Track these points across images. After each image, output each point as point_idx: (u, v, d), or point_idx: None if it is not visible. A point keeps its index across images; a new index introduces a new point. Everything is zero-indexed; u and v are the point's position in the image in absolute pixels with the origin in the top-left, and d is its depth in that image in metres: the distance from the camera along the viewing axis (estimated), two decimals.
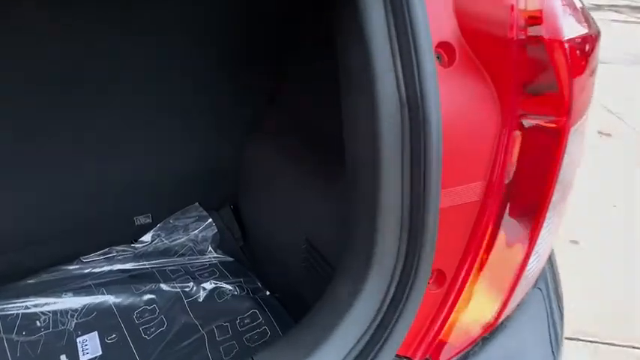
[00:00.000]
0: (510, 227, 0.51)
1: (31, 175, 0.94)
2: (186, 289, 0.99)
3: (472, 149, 0.48)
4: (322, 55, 0.85)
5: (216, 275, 1.06)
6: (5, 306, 0.92)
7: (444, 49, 0.44)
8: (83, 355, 0.84)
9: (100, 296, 0.97)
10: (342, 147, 0.61)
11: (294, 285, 0.91)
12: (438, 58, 0.43)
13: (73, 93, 0.87)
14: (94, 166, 1.00)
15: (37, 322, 0.90)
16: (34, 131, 0.89)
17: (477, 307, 0.56)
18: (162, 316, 0.93)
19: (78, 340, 0.87)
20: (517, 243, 0.53)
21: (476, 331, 0.58)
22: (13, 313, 0.91)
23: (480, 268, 0.51)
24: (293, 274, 0.90)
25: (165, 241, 1.18)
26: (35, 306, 0.93)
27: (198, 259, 1.15)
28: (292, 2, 0.88)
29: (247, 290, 1.02)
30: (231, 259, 1.15)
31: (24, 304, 0.93)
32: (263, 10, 0.91)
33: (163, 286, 1.00)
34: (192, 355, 0.85)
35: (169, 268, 1.10)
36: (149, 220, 1.16)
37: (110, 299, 0.97)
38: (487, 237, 0.51)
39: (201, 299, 0.98)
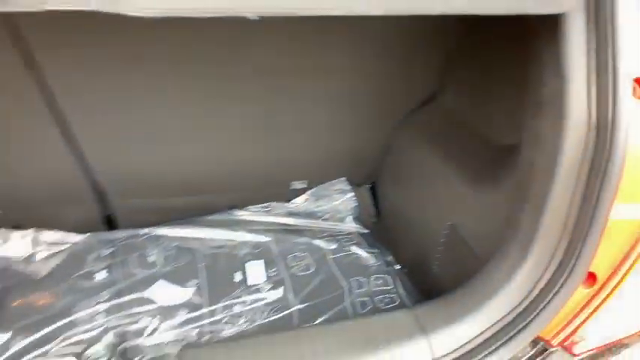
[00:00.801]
0: None
1: (230, 143, 1.18)
2: (331, 247, 1.18)
3: None
4: (485, 66, 0.95)
5: (355, 242, 1.23)
6: (198, 230, 1.20)
7: (638, 83, 0.51)
8: (250, 277, 1.08)
9: (263, 237, 1.20)
10: (493, 148, 0.70)
11: (427, 262, 1.03)
12: (633, 91, 0.51)
13: (268, 90, 1.07)
14: (272, 140, 1.21)
15: (219, 246, 1.16)
16: (250, 114, 1.12)
17: (623, 313, 0.62)
18: (311, 263, 1.13)
19: (247, 264, 1.11)
20: None
21: (616, 336, 0.64)
22: (202, 237, 1.19)
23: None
24: (429, 252, 1.02)
25: (313, 206, 1.38)
26: (219, 235, 1.19)
27: (338, 225, 1.33)
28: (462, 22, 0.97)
29: (381, 261, 1.17)
30: (366, 230, 1.31)
31: (211, 232, 1.20)
32: (429, 26, 1.02)
33: (312, 241, 1.20)
34: (332, 301, 1.03)
35: (316, 227, 1.30)
36: (304, 186, 1.37)
37: (271, 242, 1.19)
38: None
39: (342, 258, 1.16)
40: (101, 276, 1.06)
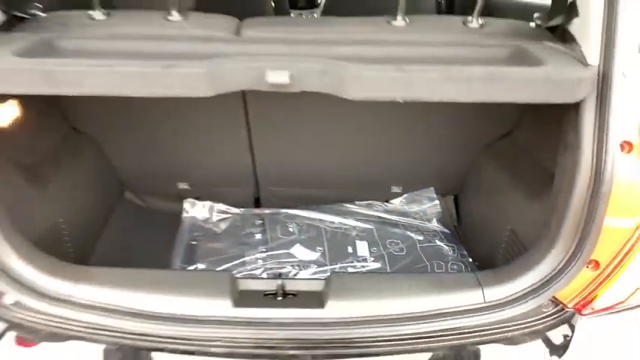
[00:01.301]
0: None
1: (350, 154, 1.61)
2: (419, 238, 1.57)
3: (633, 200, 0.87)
4: (546, 115, 1.26)
5: (438, 238, 1.60)
6: (321, 214, 1.65)
7: (627, 143, 0.85)
8: (358, 251, 1.50)
9: (367, 225, 1.62)
10: (546, 173, 1.04)
11: (492, 257, 1.38)
12: (622, 148, 0.85)
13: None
14: (380, 155, 1.62)
15: (336, 227, 1.60)
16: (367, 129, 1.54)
17: (619, 290, 0.93)
18: (403, 248, 1.52)
19: (356, 241, 1.53)
20: None
21: (613, 304, 0.96)
22: (323, 219, 1.64)
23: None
24: (495, 250, 1.36)
25: (406, 207, 1.78)
26: (336, 219, 1.63)
27: (425, 224, 1.71)
28: None
29: (458, 254, 1.53)
30: (447, 231, 1.67)
31: (330, 216, 1.65)
32: None
33: (404, 232, 1.60)
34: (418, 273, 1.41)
35: (407, 223, 1.69)
36: (399, 190, 1.77)
37: (373, 229, 1.61)
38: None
39: (427, 247, 1.54)
40: (258, 237, 1.56)
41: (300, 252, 1.47)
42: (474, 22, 1.15)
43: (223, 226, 1.65)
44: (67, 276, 0.99)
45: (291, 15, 3.25)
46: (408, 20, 1.16)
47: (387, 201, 1.79)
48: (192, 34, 1.10)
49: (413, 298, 0.98)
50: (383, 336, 0.95)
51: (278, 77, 0.88)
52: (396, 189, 1.76)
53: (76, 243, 1.35)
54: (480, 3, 1.13)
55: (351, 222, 1.63)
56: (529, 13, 1.20)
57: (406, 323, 0.95)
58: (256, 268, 1.42)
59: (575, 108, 0.91)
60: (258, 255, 1.46)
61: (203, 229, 1.63)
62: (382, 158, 1.63)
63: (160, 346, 0.94)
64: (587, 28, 0.93)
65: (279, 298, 1.00)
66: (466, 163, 1.65)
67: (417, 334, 0.95)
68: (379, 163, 1.65)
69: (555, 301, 0.97)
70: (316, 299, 0.98)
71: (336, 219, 1.64)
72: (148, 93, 0.88)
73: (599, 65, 0.89)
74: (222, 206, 1.72)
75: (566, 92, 0.88)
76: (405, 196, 1.78)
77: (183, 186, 1.71)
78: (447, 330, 0.96)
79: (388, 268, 1.44)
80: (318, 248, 1.49)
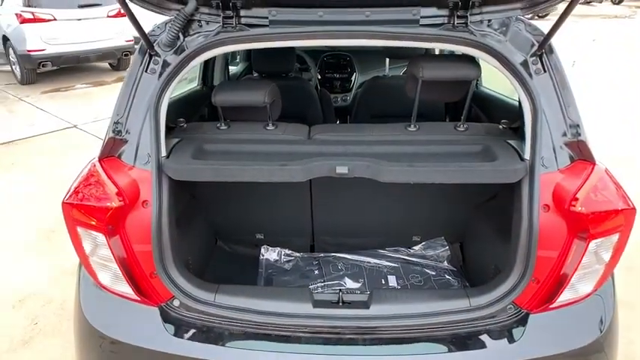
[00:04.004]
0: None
1: (379, 212, 2.25)
2: (433, 274, 2.15)
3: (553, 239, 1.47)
4: None
5: (448, 274, 2.18)
6: (360, 257, 2.27)
7: (546, 205, 1.46)
8: (389, 283, 2.09)
9: (394, 264, 2.22)
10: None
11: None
12: (544, 209, 1.46)
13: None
14: (403, 213, 2.26)
15: (371, 266, 2.21)
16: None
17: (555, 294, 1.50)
18: (421, 280, 2.11)
19: (388, 276, 2.13)
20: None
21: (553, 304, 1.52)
22: (362, 260, 2.25)
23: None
24: (486, 281, 1.94)
25: (424, 252, 2.37)
26: (371, 260, 2.25)
27: (438, 264, 2.29)
28: None
29: (461, 285, 2.10)
30: (455, 269, 2.25)
31: (367, 258, 2.26)
32: None
33: (423, 269, 2.19)
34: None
35: (425, 263, 2.28)
36: (419, 239, 2.38)
37: (400, 267, 2.21)
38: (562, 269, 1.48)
39: (438, 280, 2.12)
40: (316, 272, 2.18)
41: (348, 282, 2.08)
42: (461, 126, 1.83)
43: (289, 265, 2.28)
44: (206, 288, 1.63)
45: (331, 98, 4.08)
46: (418, 126, 1.85)
47: (409, 247, 2.40)
48: (281, 138, 1.81)
49: (425, 303, 1.57)
50: (407, 325, 1.53)
51: (342, 170, 1.57)
52: (416, 238, 2.37)
53: (195, 274, 2.00)
54: (465, 114, 1.80)
55: (383, 262, 2.24)
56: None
57: (421, 319, 1.54)
58: (321, 292, 2.03)
59: (518, 185, 1.55)
60: (318, 284, 2.08)
61: (275, 267, 2.26)
62: (406, 216, 2.27)
63: (268, 332, 1.55)
64: (524, 134, 1.58)
65: (340, 304, 1.61)
66: (467, 219, 2.26)
67: (429, 324, 1.53)
68: (403, 220, 2.28)
69: (515, 305, 1.54)
70: (363, 304, 1.58)
71: (372, 260, 2.25)
72: (269, 180, 1.58)
73: (529, 159, 1.53)
74: (287, 251, 2.36)
75: (507, 177, 1.52)
76: (422, 243, 2.38)
77: (259, 236, 2.37)
78: (447, 322, 1.54)
79: None
80: (360, 280, 2.10)
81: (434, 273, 2.16)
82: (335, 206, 2.21)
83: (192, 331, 1.57)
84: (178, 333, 1.56)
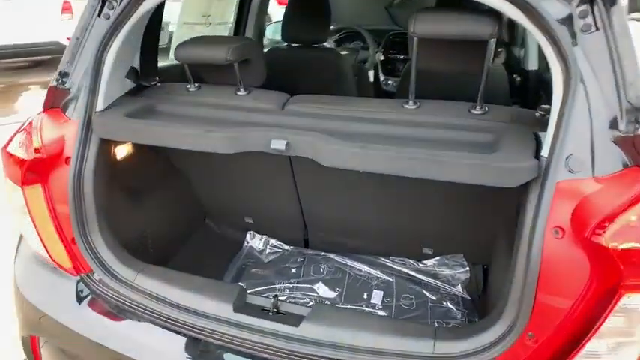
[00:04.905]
0: None
1: (385, 214, 1.82)
2: (432, 298, 1.68)
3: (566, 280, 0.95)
4: None
5: (455, 302, 1.69)
6: (352, 261, 1.88)
7: (560, 228, 0.95)
8: (372, 298, 1.68)
9: (389, 277, 1.79)
10: None
11: None
12: (556, 232, 0.96)
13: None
14: (415, 220, 1.79)
15: (360, 274, 1.80)
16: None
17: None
18: (414, 303, 1.66)
19: (374, 290, 1.72)
20: None
21: None
22: (352, 265, 1.85)
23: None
24: None
25: (437, 269, 1.89)
26: (364, 267, 1.84)
27: (449, 288, 1.80)
28: None
29: (466, 319, 1.60)
30: (469, 297, 1.74)
31: (359, 264, 1.86)
32: None
33: (422, 290, 1.73)
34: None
35: (432, 283, 1.81)
36: (430, 252, 1.90)
37: (394, 282, 1.77)
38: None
39: (437, 307, 1.65)
40: (293, 270, 1.84)
41: (321, 289, 1.72)
42: (478, 108, 1.34)
43: (271, 257, 1.98)
44: (132, 267, 1.40)
45: (386, 81, 3.63)
46: (419, 104, 1.39)
47: (419, 260, 1.93)
48: (248, 105, 1.50)
49: (370, 335, 1.16)
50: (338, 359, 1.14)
51: (278, 145, 1.20)
52: (427, 250, 1.90)
53: (157, 250, 1.79)
54: (481, 92, 1.31)
55: (376, 273, 1.82)
56: None
57: (359, 354, 1.13)
58: (282, 295, 1.70)
59: (525, 194, 1.05)
60: (287, 285, 1.74)
61: (255, 257, 1.98)
62: (412, 220, 1.81)
63: (179, 329, 1.28)
64: (549, 123, 1.07)
65: (270, 314, 1.26)
66: (494, 234, 1.73)
67: None
68: (409, 225, 1.83)
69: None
70: (295, 319, 1.22)
71: (365, 267, 1.85)
72: (194, 147, 1.28)
73: (547, 157, 1.02)
74: (275, 242, 2.05)
75: (500, 178, 1.03)
76: (437, 258, 1.90)
77: (248, 220, 2.10)
78: None
79: (392, 316, 1.59)
80: (337, 289, 1.72)
81: (434, 297, 1.69)
82: (326, 198, 1.84)
83: (103, 310, 1.38)
84: (89, 309, 1.38)
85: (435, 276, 1.86)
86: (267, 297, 1.36)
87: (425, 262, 1.92)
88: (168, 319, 1.28)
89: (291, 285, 1.74)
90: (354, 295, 1.70)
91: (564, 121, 1.00)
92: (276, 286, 1.74)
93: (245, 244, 2.05)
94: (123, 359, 1.28)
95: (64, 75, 1.45)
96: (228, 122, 1.41)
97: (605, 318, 0.91)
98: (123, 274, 1.39)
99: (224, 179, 1.97)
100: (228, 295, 1.29)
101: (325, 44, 2.75)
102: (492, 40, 1.19)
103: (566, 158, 0.99)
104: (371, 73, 3.54)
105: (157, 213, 1.83)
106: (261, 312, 1.27)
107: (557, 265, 0.96)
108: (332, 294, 1.70)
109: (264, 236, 2.07)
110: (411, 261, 1.93)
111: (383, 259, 1.93)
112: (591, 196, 0.95)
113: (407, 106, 1.40)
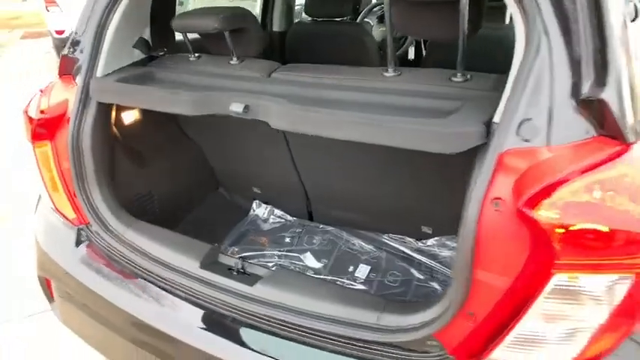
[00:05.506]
0: None
1: (384, 190, 1.77)
2: (420, 277, 1.62)
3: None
4: None
5: (442, 282, 1.61)
6: (349, 235, 1.85)
7: (501, 198, 0.87)
8: (358, 272, 1.66)
9: (380, 253, 1.75)
10: None
11: None
12: (496, 204, 0.87)
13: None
14: (413, 198, 1.72)
15: (352, 248, 1.78)
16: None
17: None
18: (399, 280, 1.61)
19: (360, 264, 1.69)
20: None
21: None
22: (347, 239, 1.83)
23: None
24: None
25: (437, 249, 1.81)
26: (355, 242, 1.81)
27: (446, 270, 1.72)
28: None
29: None
30: None
31: (355, 239, 1.83)
32: None
33: (410, 269, 1.67)
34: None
35: (429, 264, 1.73)
36: (429, 232, 1.82)
37: (383, 259, 1.73)
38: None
39: (422, 287, 1.58)
40: (287, 240, 1.87)
41: (308, 259, 1.73)
42: (459, 76, 1.25)
43: (273, 226, 2.02)
44: (125, 222, 1.51)
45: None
46: (400, 72, 1.33)
47: (419, 239, 1.86)
48: (235, 74, 1.52)
49: (319, 302, 1.15)
50: (288, 322, 1.15)
51: (236, 107, 1.22)
52: (426, 229, 1.83)
53: (164, 211, 1.90)
54: (461, 58, 1.22)
55: (369, 248, 1.79)
56: None
57: (306, 318, 1.13)
58: (270, 262, 1.73)
59: (472, 163, 0.97)
60: (276, 252, 1.77)
61: (257, 225, 2.03)
62: (411, 197, 1.74)
63: (153, 281, 1.36)
64: (506, 85, 0.97)
65: (234, 273, 1.30)
66: None
67: (312, 329, 1.12)
68: (408, 201, 1.76)
69: (438, 344, 1.00)
70: (252, 280, 1.25)
71: (359, 242, 1.82)
72: (162, 108, 1.35)
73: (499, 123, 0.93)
74: (279, 212, 2.09)
75: (440, 143, 0.95)
76: (436, 238, 1.82)
77: (256, 190, 2.15)
78: (342, 337, 1.10)
79: (372, 291, 1.56)
80: (324, 260, 1.72)
81: (422, 277, 1.63)
82: (324, 171, 1.83)
83: (96, 259, 1.50)
84: (86, 256, 1.52)
85: (434, 257, 1.78)
86: (235, 258, 1.40)
87: (425, 241, 1.85)
88: (147, 271, 1.38)
89: (280, 253, 1.77)
90: (339, 267, 1.69)
91: (521, 81, 0.90)
92: (266, 252, 1.78)
93: (252, 211, 2.11)
94: (111, 307, 1.40)
95: (75, 43, 1.57)
96: (212, 88, 1.45)
97: (535, 299, 0.82)
98: (115, 228, 1.50)
99: (231, 149, 2.03)
100: (199, 253, 1.35)
101: (365, 19, 2.67)
102: None
103: (520, 124, 0.89)
104: (412, 50, 3.40)
105: (165, 176, 1.93)
106: (226, 271, 1.32)
107: (496, 240, 0.89)
108: (318, 264, 1.70)
109: (270, 206, 2.11)
110: (411, 240, 1.87)
111: (383, 236, 1.89)
112: (536, 167, 0.85)
113: (386, 74, 1.34)
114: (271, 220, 2.06)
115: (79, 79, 1.53)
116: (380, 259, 1.73)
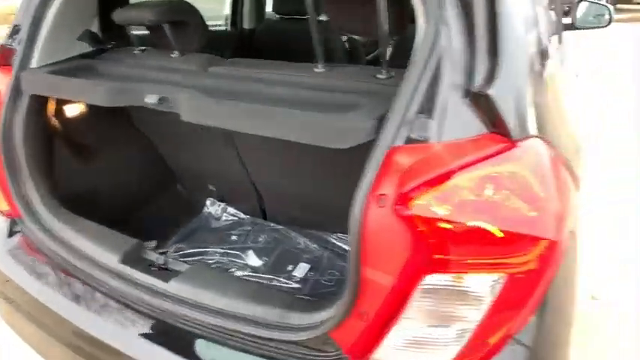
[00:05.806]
0: None
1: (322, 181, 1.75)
2: None
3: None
4: None
5: None
6: (296, 234, 1.84)
7: (383, 196, 0.85)
8: (296, 271, 1.64)
9: (322, 252, 1.74)
10: None
11: None
12: (381, 201, 0.85)
13: None
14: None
15: (297, 247, 1.76)
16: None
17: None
18: (334, 280, 1.59)
19: (300, 263, 1.68)
20: None
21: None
22: (292, 238, 1.82)
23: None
24: None
25: None
26: (302, 240, 1.80)
27: None
28: None
29: None
30: None
31: (300, 238, 1.82)
32: None
33: None
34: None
35: None
36: None
37: (325, 257, 1.71)
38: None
39: None
40: (234, 238, 1.86)
41: (250, 257, 1.72)
42: (383, 73, 1.23)
43: (223, 224, 2.00)
44: (58, 217, 1.50)
45: None
46: (329, 68, 1.32)
47: None
48: (172, 66, 1.52)
49: (228, 299, 1.14)
50: (198, 319, 1.14)
51: (150, 99, 1.21)
52: None
53: (113, 208, 1.89)
54: (383, 55, 1.21)
55: (313, 247, 1.78)
56: None
57: (214, 317, 1.12)
58: (211, 260, 1.72)
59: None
60: (219, 250, 1.76)
61: (208, 222, 2.02)
62: (350, 195, 1.72)
63: (78, 277, 1.35)
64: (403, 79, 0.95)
65: (153, 269, 1.29)
66: None
67: (222, 327, 1.11)
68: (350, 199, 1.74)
69: (334, 343, 0.98)
70: (168, 276, 1.23)
71: (305, 241, 1.81)
72: (82, 99, 1.34)
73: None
74: (232, 210, 2.08)
75: (328, 138, 0.94)
76: None
77: (211, 187, 2.14)
78: (247, 334, 1.09)
79: (306, 291, 1.55)
80: (265, 258, 1.70)
81: None
82: (271, 170, 1.82)
83: (23, 250, 1.49)
84: (17, 250, 1.51)
85: None
86: (158, 254, 1.39)
87: None
88: (74, 267, 1.37)
89: (222, 251, 1.76)
90: (279, 265, 1.67)
91: (414, 76, 0.89)
92: (209, 250, 1.77)
93: (204, 209, 2.10)
94: (39, 306, 1.39)
95: (14, 33, 1.57)
96: (142, 80, 1.44)
97: (407, 299, 0.80)
98: (48, 223, 1.50)
99: (184, 146, 2.02)
100: (120, 248, 1.34)
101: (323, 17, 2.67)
102: None
103: (411, 119, 0.88)
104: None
105: (114, 172, 1.92)
106: (146, 267, 1.30)
107: (381, 237, 0.87)
108: (258, 262, 1.69)
109: (223, 204, 2.10)
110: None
111: (332, 235, 1.87)
112: (420, 163, 0.84)
113: (316, 69, 1.33)
114: (224, 218, 2.05)
115: (13, 71, 1.53)
116: (322, 258, 1.72)
